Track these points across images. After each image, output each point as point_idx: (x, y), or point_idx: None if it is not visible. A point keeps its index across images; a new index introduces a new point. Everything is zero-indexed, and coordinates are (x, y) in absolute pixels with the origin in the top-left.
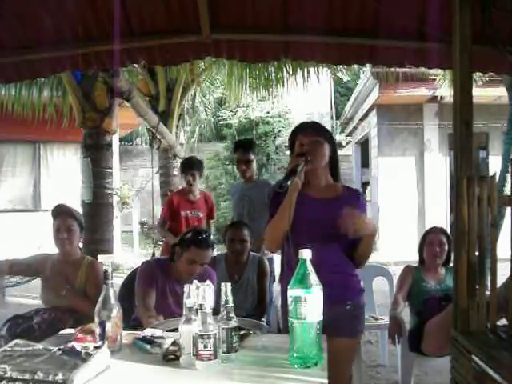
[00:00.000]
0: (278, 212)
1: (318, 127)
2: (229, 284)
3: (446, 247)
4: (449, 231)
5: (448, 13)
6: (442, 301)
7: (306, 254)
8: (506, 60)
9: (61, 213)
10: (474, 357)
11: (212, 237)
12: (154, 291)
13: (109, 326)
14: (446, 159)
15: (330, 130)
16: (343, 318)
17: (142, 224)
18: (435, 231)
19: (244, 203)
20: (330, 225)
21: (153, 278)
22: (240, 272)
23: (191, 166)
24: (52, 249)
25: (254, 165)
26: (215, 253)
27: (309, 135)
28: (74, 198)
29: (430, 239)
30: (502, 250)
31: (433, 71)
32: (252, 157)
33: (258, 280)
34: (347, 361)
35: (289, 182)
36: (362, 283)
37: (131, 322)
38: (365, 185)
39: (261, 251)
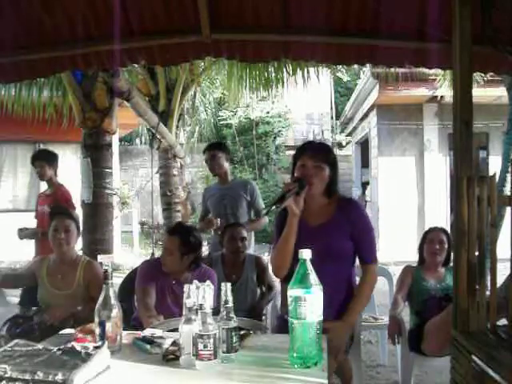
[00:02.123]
0: (281, 239)
1: (323, 151)
2: (229, 284)
3: (446, 246)
4: (449, 231)
5: (448, 13)
6: (443, 300)
7: (305, 254)
8: (506, 60)
9: (58, 213)
10: (473, 357)
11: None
12: (154, 290)
13: (109, 325)
14: (446, 159)
15: (332, 152)
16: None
17: (142, 224)
18: (435, 230)
19: (226, 202)
20: (325, 248)
21: (152, 277)
22: (238, 272)
23: (37, 157)
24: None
25: (226, 164)
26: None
27: (314, 161)
28: (74, 198)
29: (430, 237)
30: (502, 250)
31: (433, 71)
32: (219, 154)
33: (260, 277)
34: (343, 336)
35: (272, 208)
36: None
37: (131, 321)
38: (365, 185)
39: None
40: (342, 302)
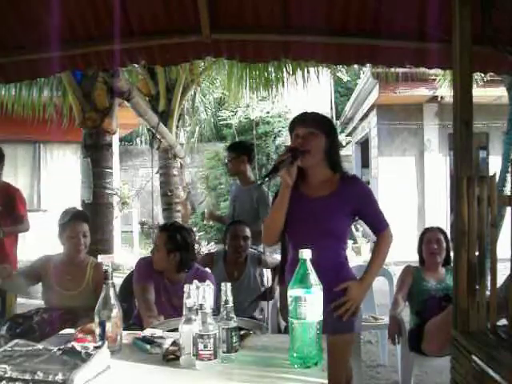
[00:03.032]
0: (272, 209)
1: (316, 118)
2: (229, 284)
3: (444, 245)
4: (449, 231)
5: (448, 13)
6: (442, 301)
7: (305, 253)
8: (506, 60)
9: (76, 218)
10: (473, 357)
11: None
12: (153, 287)
13: (109, 325)
14: (446, 159)
15: (328, 120)
16: (327, 316)
17: (142, 224)
18: (432, 230)
19: (236, 205)
20: (326, 222)
21: (149, 275)
22: (240, 270)
23: None
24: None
25: (243, 166)
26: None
27: (303, 127)
28: (74, 198)
29: (427, 238)
30: (502, 250)
31: (433, 71)
32: (235, 156)
33: (262, 273)
34: (335, 359)
35: (266, 180)
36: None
37: (132, 319)
38: None
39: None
40: (334, 276)
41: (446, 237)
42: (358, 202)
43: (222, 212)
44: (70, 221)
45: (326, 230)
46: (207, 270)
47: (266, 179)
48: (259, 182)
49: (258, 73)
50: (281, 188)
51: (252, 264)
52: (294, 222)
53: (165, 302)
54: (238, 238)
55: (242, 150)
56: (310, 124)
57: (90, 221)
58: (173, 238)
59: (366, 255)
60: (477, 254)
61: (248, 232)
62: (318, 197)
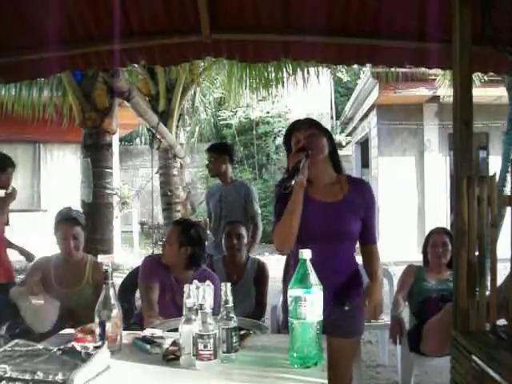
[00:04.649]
0: (286, 212)
1: (311, 121)
2: (229, 284)
3: (450, 247)
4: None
5: (448, 13)
6: (439, 302)
7: (306, 254)
8: (506, 60)
9: (67, 220)
10: (473, 357)
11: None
12: (157, 285)
13: (109, 325)
14: (446, 159)
15: (325, 126)
16: (341, 318)
17: (142, 224)
18: (438, 232)
19: (222, 205)
20: (336, 227)
21: (155, 273)
22: (239, 273)
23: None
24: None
25: (225, 166)
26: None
27: (303, 130)
28: (74, 198)
29: (433, 240)
30: (502, 250)
31: (433, 71)
32: (217, 156)
33: (257, 283)
34: (346, 361)
35: (293, 182)
36: (363, 285)
37: (133, 319)
38: None
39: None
40: (349, 278)
41: (451, 238)
42: (366, 207)
43: None
44: (60, 223)
45: (342, 233)
46: (214, 273)
47: (293, 182)
48: (284, 190)
49: (257, 73)
50: (295, 190)
51: (251, 270)
52: (306, 226)
53: (169, 300)
54: (231, 236)
55: (223, 150)
56: (309, 126)
57: (84, 222)
58: (186, 232)
59: None
60: (477, 254)
61: (243, 230)
62: (332, 201)
